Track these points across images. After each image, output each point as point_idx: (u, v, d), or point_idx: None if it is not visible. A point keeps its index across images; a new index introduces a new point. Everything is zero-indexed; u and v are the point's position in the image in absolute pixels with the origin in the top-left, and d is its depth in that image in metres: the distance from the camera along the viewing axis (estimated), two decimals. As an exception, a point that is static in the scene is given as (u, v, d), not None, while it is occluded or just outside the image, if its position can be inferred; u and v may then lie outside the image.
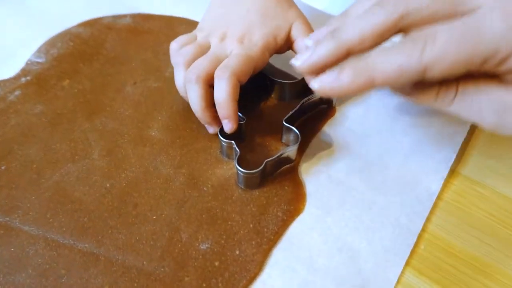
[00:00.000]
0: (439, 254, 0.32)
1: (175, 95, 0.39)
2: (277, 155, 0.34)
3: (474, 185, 0.36)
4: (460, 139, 0.38)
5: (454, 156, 0.37)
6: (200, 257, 0.31)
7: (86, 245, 0.32)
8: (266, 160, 0.33)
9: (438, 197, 0.35)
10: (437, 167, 0.37)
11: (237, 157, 0.33)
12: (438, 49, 0.23)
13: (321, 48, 0.26)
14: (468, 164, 0.37)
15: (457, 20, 0.24)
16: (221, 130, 0.35)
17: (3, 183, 0.35)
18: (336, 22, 0.28)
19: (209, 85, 0.35)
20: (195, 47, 0.38)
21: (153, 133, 0.38)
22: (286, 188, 0.35)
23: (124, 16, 0.49)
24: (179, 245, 0.32)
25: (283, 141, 0.37)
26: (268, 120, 0.39)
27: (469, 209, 0.35)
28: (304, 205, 0.34)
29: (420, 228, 0.33)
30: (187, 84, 0.35)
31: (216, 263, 0.31)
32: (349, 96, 0.32)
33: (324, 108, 0.40)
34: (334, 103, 0.40)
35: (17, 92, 0.41)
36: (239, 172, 0.33)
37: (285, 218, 0.33)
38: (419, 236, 0.33)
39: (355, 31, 0.25)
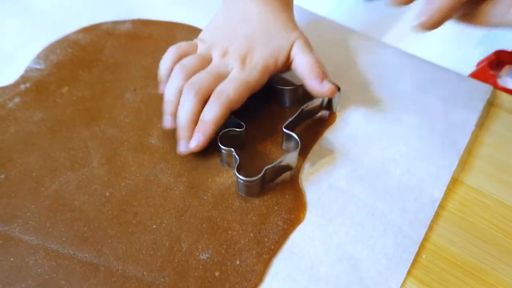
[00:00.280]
0: (441, 264, 0.32)
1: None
2: (276, 162, 0.33)
3: (477, 194, 0.36)
4: (462, 146, 0.38)
5: (456, 163, 0.37)
6: (201, 267, 0.31)
7: (86, 254, 0.31)
8: (266, 168, 0.33)
9: (441, 206, 0.35)
10: (439, 174, 0.36)
11: (236, 165, 0.33)
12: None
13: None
14: (470, 173, 0.37)
15: None
16: (221, 138, 0.35)
17: (3, 192, 0.35)
18: None
19: (204, 100, 0.35)
20: (197, 59, 0.38)
21: (153, 140, 0.38)
22: (286, 196, 0.35)
23: (124, 21, 0.49)
24: (179, 255, 0.31)
25: (283, 148, 0.37)
26: (267, 127, 0.39)
27: (471, 219, 0.35)
28: (304, 214, 0.34)
29: (422, 237, 0.33)
30: (185, 94, 0.35)
31: (217, 273, 0.31)
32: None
33: (324, 114, 0.40)
34: (334, 108, 0.40)
35: (16, 99, 0.41)
36: (239, 180, 0.33)
37: (285, 227, 0.33)
38: (421, 246, 0.33)
39: None
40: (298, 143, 0.35)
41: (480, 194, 0.36)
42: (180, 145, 0.36)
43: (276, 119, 0.39)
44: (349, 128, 0.40)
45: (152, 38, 0.47)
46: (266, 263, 0.31)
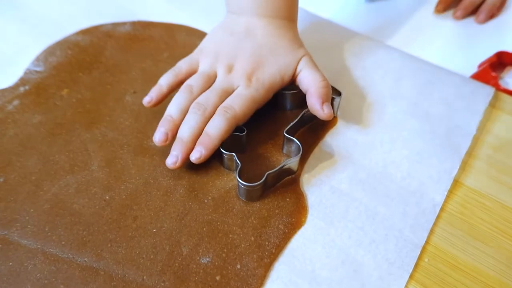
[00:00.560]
0: (443, 267, 0.32)
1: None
2: (278, 167, 0.33)
3: (478, 196, 0.36)
4: (464, 150, 0.38)
5: (457, 167, 0.37)
6: (201, 271, 0.31)
7: (86, 259, 0.31)
8: (268, 172, 0.33)
9: (442, 209, 0.35)
10: (441, 177, 0.36)
11: (238, 170, 0.33)
12: None
13: None
14: (471, 175, 0.37)
15: None
16: (222, 143, 0.35)
17: (1, 196, 0.34)
18: None
19: (210, 118, 0.35)
20: (203, 79, 0.38)
21: (153, 143, 0.38)
22: (287, 200, 0.34)
23: (124, 23, 0.49)
24: (180, 259, 0.31)
25: (284, 152, 0.37)
26: (268, 131, 0.38)
27: (472, 221, 0.34)
28: (306, 217, 0.34)
29: (424, 241, 0.33)
30: (191, 113, 0.35)
31: (217, 278, 0.30)
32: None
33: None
34: (335, 113, 0.40)
35: (15, 102, 0.41)
36: (240, 185, 0.33)
37: (286, 230, 0.33)
38: (423, 249, 0.33)
39: None
40: (299, 148, 0.34)
41: (481, 195, 0.36)
42: (171, 157, 0.34)
43: (277, 123, 0.39)
44: (350, 132, 0.39)
45: (152, 40, 0.47)
46: (267, 267, 0.31)
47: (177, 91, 0.38)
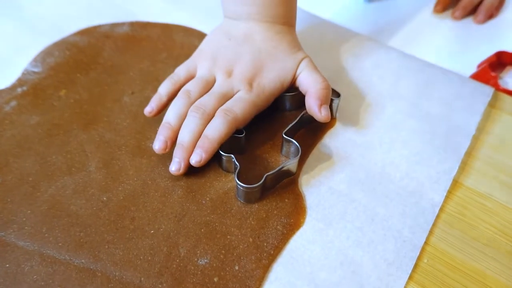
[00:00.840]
0: (442, 268, 0.32)
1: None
2: (277, 169, 0.33)
3: (477, 197, 0.36)
4: (463, 150, 0.38)
5: (457, 167, 0.37)
6: (199, 272, 0.30)
7: (83, 260, 0.31)
8: (267, 174, 0.33)
9: (441, 209, 0.35)
10: (440, 178, 0.36)
11: (236, 172, 0.33)
12: None
13: None
14: (471, 175, 0.37)
15: None
16: (221, 145, 0.34)
17: (-2, 197, 0.34)
18: None
19: (209, 122, 0.35)
20: (201, 83, 0.37)
21: (151, 144, 0.37)
22: (286, 200, 0.34)
23: (122, 24, 0.48)
24: (177, 260, 0.31)
25: (283, 153, 0.37)
26: (267, 132, 0.38)
27: (472, 221, 0.34)
28: (304, 218, 0.34)
29: (423, 241, 0.33)
30: (190, 117, 0.35)
31: (215, 279, 0.30)
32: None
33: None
34: (334, 114, 0.39)
35: (13, 103, 0.40)
36: (239, 187, 0.32)
37: (285, 231, 0.33)
38: (422, 249, 0.32)
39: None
40: (298, 150, 0.34)
41: (480, 196, 0.36)
42: (174, 163, 0.34)
43: (276, 124, 0.39)
44: (349, 132, 0.39)
45: (150, 40, 0.47)
46: (265, 269, 0.31)
47: None
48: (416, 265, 0.32)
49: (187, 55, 0.43)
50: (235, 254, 0.31)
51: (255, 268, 0.31)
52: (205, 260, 0.31)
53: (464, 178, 0.37)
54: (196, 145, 0.34)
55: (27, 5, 0.50)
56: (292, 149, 0.35)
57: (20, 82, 0.42)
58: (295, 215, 0.34)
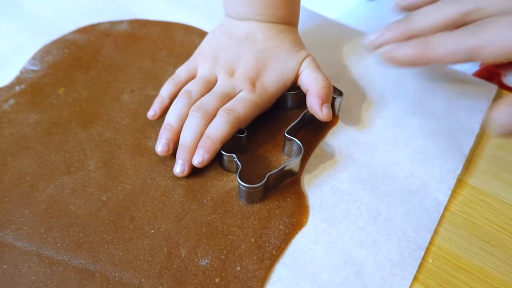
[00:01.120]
0: (447, 268, 0.31)
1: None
2: (279, 168, 0.33)
3: (482, 195, 0.35)
4: (467, 149, 0.37)
5: (461, 166, 0.36)
6: (200, 273, 0.30)
7: (82, 261, 0.30)
8: (269, 174, 0.32)
9: (445, 208, 0.34)
10: (444, 177, 0.36)
11: (238, 171, 0.32)
12: (487, 37, 0.27)
13: (395, 29, 0.31)
14: (475, 174, 0.36)
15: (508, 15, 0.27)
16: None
17: (-4, 197, 0.34)
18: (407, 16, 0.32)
19: (211, 121, 0.34)
20: (202, 83, 0.37)
21: (151, 143, 0.37)
22: (288, 200, 0.34)
23: (121, 22, 0.48)
24: (178, 261, 0.30)
25: (285, 152, 0.36)
26: (269, 131, 0.38)
27: (477, 221, 0.34)
28: (307, 218, 0.33)
29: (428, 241, 0.32)
30: (191, 117, 0.35)
31: (217, 280, 0.30)
32: (405, 65, 0.33)
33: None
34: (336, 113, 0.39)
35: (11, 101, 0.40)
36: (241, 187, 0.32)
37: (287, 231, 0.32)
38: (427, 249, 0.32)
39: (428, 19, 0.30)
40: (301, 149, 0.34)
41: (485, 195, 0.35)
42: (178, 165, 0.34)
43: (278, 123, 0.38)
44: (352, 131, 0.39)
45: (150, 38, 0.46)
46: (267, 269, 0.30)
47: None
48: (420, 265, 0.31)
49: (187, 53, 0.42)
50: (236, 254, 0.31)
51: (257, 269, 0.30)
52: (206, 261, 0.30)
53: (469, 177, 0.36)
54: (198, 146, 0.34)
55: (26, 3, 0.50)
56: (294, 148, 0.35)
57: (18, 80, 0.42)
58: (297, 215, 0.33)
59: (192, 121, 0.34)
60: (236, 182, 0.34)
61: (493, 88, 0.42)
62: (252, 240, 0.32)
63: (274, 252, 0.31)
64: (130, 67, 0.43)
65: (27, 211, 0.33)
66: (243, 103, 0.35)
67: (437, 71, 0.43)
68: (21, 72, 0.43)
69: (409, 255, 0.31)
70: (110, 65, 0.44)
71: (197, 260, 0.30)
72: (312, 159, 0.37)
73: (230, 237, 0.32)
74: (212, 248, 0.31)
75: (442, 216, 0.34)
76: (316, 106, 0.35)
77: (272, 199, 0.34)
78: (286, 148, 0.36)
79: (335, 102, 0.38)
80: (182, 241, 0.31)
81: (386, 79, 0.43)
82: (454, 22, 0.29)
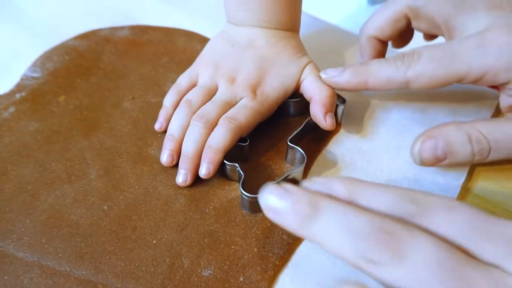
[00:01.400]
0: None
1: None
2: (282, 177, 0.32)
3: (485, 203, 0.35)
4: (471, 156, 0.37)
5: (465, 174, 0.36)
6: (203, 284, 0.30)
7: (83, 272, 0.30)
8: (273, 183, 0.32)
9: (450, 217, 0.34)
10: (448, 185, 0.35)
11: (241, 181, 0.32)
12: (420, 66, 0.31)
13: (346, 76, 0.35)
14: (479, 182, 0.36)
15: (443, 43, 0.31)
16: None
17: (-4, 206, 0.33)
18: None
19: (212, 130, 0.34)
20: (203, 92, 0.37)
21: (153, 151, 0.37)
22: (291, 209, 0.33)
23: (122, 28, 0.48)
24: (181, 272, 0.30)
25: (288, 160, 0.36)
26: (271, 139, 0.37)
27: (481, 230, 0.33)
28: (310, 227, 0.33)
29: (432, 251, 0.32)
30: (193, 126, 0.34)
31: (220, 291, 0.29)
32: (348, 91, 0.36)
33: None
34: (339, 121, 0.39)
35: (11, 109, 0.40)
36: (244, 196, 0.32)
37: (291, 241, 0.32)
38: (431, 259, 0.32)
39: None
40: (304, 157, 0.34)
41: (488, 202, 0.35)
42: (181, 175, 0.34)
43: (280, 131, 0.38)
44: (354, 139, 0.38)
45: (151, 44, 0.46)
46: (271, 280, 0.30)
47: None
48: (425, 275, 0.31)
49: (189, 60, 0.42)
50: (239, 265, 0.31)
51: (260, 280, 0.30)
52: (209, 271, 0.30)
53: (472, 185, 0.36)
54: (202, 158, 0.33)
55: (26, 9, 0.50)
56: (297, 156, 0.35)
57: (18, 87, 0.42)
58: (300, 224, 0.33)
59: (193, 131, 0.34)
60: (238, 191, 0.33)
61: (496, 94, 0.42)
62: (255, 250, 0.31)
63: (278, 263, 0.31)
64: (131, 73, 0.43)
65: (28, 221, 0.33)
66: (244, 110, 0.35)
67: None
68: (22, 79, 0.42)
69: (414, 265, 0.31)
70: (111, 72, 0.43)
71: (200, 270, 0.30)
72: (314, 167, 0.36)
73: (233, 247, 0.31)
74: (215, 258, 0.31)
75: (446, 225, 0.33)
76: (320, 115, 0.35)
77: (275, 208, 0.33)
78: (289, 156, 0.35)
79: (338, 110, 0.38)
80: (185, 251, 0.31)
81: (389, 85, 0.42)
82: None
